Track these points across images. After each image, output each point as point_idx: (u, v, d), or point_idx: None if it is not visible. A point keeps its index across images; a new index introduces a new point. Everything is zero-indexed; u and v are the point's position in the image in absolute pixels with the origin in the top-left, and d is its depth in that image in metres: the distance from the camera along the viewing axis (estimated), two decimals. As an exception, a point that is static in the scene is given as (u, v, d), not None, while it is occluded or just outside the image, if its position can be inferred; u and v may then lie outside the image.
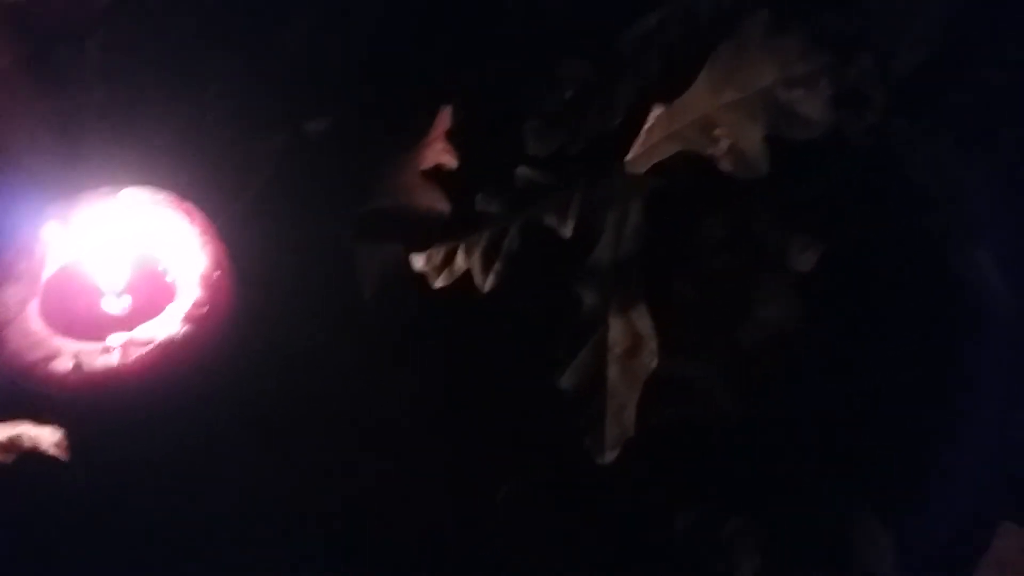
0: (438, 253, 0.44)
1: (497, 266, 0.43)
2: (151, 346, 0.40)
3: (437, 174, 0.46)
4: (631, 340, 0.42)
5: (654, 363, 0.42)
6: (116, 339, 0.41)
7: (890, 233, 0.45)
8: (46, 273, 0.43)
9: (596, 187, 0.44)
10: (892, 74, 0.45)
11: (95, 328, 0.42)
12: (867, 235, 0.45)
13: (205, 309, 0.41)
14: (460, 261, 0.44)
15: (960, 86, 0.46)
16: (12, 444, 0.40)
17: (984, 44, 0.47)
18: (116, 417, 0.40)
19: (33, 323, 0.41)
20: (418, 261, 0.44)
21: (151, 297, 0.43)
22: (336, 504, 0.43)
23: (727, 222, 0.45)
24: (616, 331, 0.42)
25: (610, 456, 0.41)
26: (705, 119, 0.43)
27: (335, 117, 0.49)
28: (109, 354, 0.40)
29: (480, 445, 0.44)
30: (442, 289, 0.44)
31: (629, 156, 0.44)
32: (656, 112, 0.44)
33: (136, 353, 0.40)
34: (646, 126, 0.44)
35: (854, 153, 0.45)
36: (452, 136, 0.46)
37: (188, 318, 0.41)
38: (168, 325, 0.41)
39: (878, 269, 0.45)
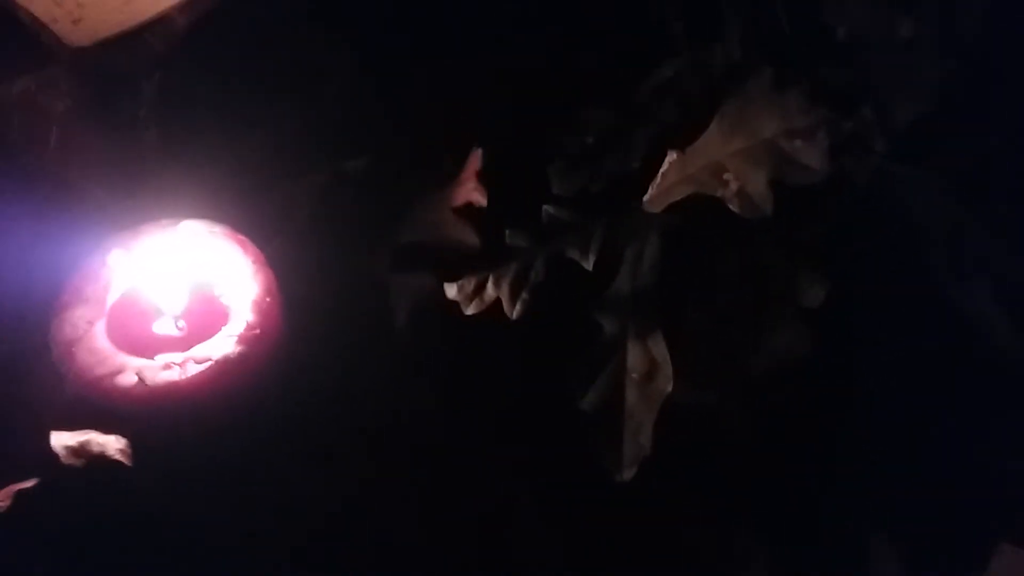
0: (470, 283, 0.46)
1: (524, 295, 0.46)
2: (208, 364, 0.43)
3: (468, 211, 0.48)
4: (648, 365, 0.44)
5: (669, 387, 0.44)
6: (176, 357, 0.43)
7: (892, 269, 0.47)
8: (111, 297, 0.45)
9: (616, 224, 0.47)
10: (893, 122, 0.47)
11: (156, 347, 0.44)
12: (870, 270, 0.47)
13: (257, 331, 0.44)
14: (490, 290, 0.46)
15: (957, 134, 0.48)
16: (82, 449, 0.42)
17: (980, 94, 0.49)
18: (175, 428, 0.43)
19: (99, 341, 0.43)
20: (451, 290, 0.46)
21: (207, 320, 0.45)
22: (369, 514, 0.44)
23: (738, 258, 0.47)
24: (634, 357, 0.45)
25: (628, 474, 0.43)
26: (715, 165, 0.45)
27: (373, 158, 0.52)
28: (170, 370, 0.43)
29: (504, 462, 0.46)
30: (472, 316, 0.46)
31: (646, 196, 0.47)
32: (671, 157, 0.47)
33: (194, 370, 0.43)
34: (662, 169, 0.47)
35: (858, 196, 0.47)
36: (482, 176, 0.49)
37: (242, 339, 0.44)
38: (224, 345, 0.43)
39: (881, 302, 0.47)
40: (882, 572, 0.43)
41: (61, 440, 0.43)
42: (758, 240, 0.47)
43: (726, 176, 0.45)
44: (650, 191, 0.47)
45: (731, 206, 0.45)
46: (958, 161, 0.49)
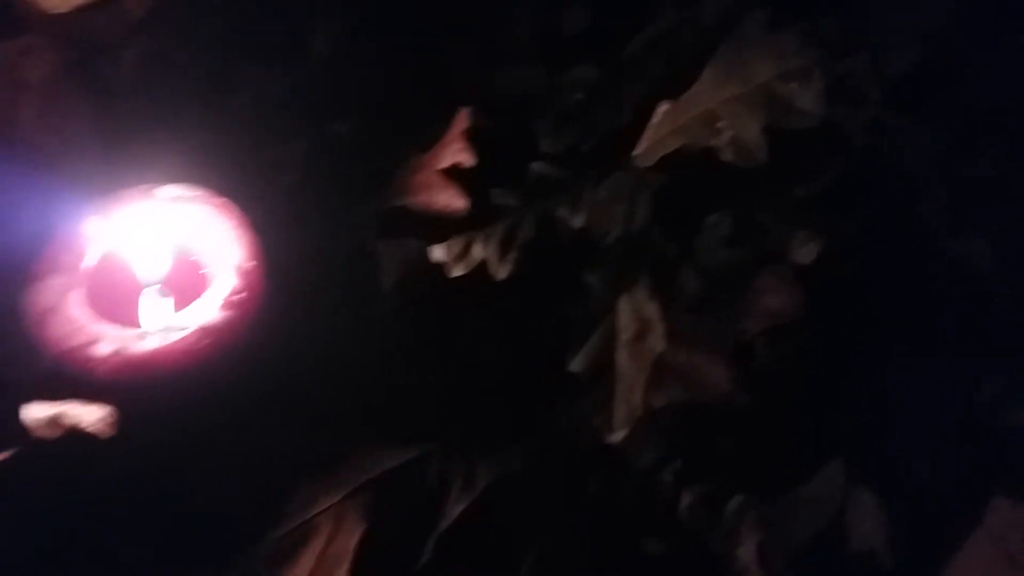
0: (456, 244, 0.45)
1: (512, 255, 0.45)
2: (189, 331, 0.42)
3: (454, 172, 0.47)
4: (639, 325, 0.44)
5: (660, 347, 0.43)
6: (155, 325, 0.42)
7: (887, 223, 0.46)
8: (87, 265, 0.44)
9: (605, 181, 0.46)
10: (887, 72, 0.46)
11: (135, 315, 0.43)
12: (865, 226, 0.46)
13: (241, 296, 0.43)
14: (477, 251, 0.45)
15: (953, 83, 0.48)
16: (57, 421, 0.41)
17: (976, 43, 0.48)
18: (154, 398, 0.42)
19: (75, 311, 0.42)
20: (437, 252, 0.46)
21: (189, 286, 0.44)
22: (355, 480, 0.44)
23: (731, 216, 0.46)
24: (624, 317, 0.44)
25: (619, 435, 0.43)
26: (708, 113, 0.44)
27: (357, 120, 0.51)
28: (149, 338, 0.42)
29: (495, 426, 0.45)
30: (459, 278, 0.45)
31: (637, 150, 0.46)
32: (662, 108, 0.46)
33: (176, 337, 0.42)
34: (653, 121, 0.46)
35: (852, 148, 0.46)
36: (469, 136, 0.48)
37: (225, 305, 0.43)
38: (206, 311, 0.42)
39: (876, 258, 0.46)
40: (875, 530, 0.43)
41: (37, 412, 0.42)
42: (751, 198, 0.46)
43: (719, 124, 0.44)
44: (641, 144, 0.46)
45: (725, 155, 0.44)
46: (954, 110, 0.47)
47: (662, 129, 0.45)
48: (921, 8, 0.47)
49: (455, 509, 0.43)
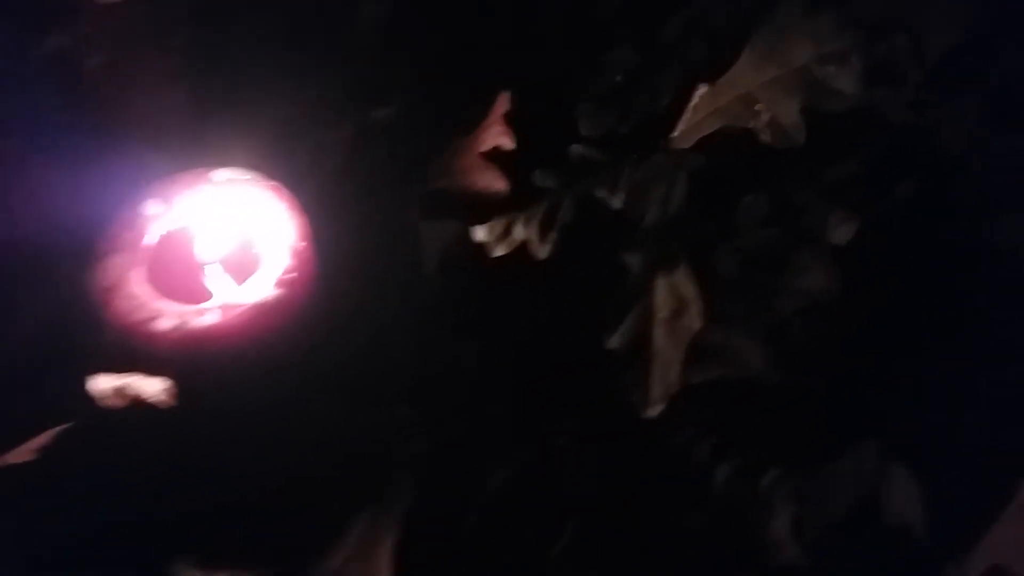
0: (498, 224, 0.46)
1: (552, 236, 0.46)
2: (245, 308, 0.43)
3: (495, 155, 0.48)
4: (676, 304, 0.44)
5: (697, 325, 0.44)
6: (213, 301, 0.44)
7: (924, 204, 0.47)
8: (148, 244, 0.46)
9: (644, 163, 0.47)
10: (926, 53, 0.46)
11: (193, 292, 0.45)
12: (902, 205, 0.47)
13: (293, 275, 0.45)
14: (518, 231, 0.46)
15: (993, 63, 0.47)
16: (123, 391, 0.43)
17: (1016, 23, 0.48)
18: (213, 372, 0.44)
19: (137, 288, 0.44)
20: (479, 232, 0.47)
21: (243, 264, 0.46)
22: (404, 455, 0.45)
23: (768, 197, 0.46)
24: (662, 295, 0.45)
25: (655, 411, 0.44)
26: (746, 95, 0.45)
27: (400, 106, 0.52)
28: (207, 315, 0.43)
29: (536, 403, 0.46)
30: (500, 258, 0.46)
31: (676, 132, 0.46)
32: (701, 90, 0.46)
33: (232, 314, 0.43)
34: (691, 103, 0.46)
35: (890, 129, 0.47)
36: (509, 120, 0.49)
37: (278, 283, 0.44)
38: (261, 289, 0.44)
39: (912, 237, 0.46)
40: (910, 504, 0.43)
41: (102, 383, 0.44)
42: (787, 178, 0.47)
43: (757, 107, 0.44)
44: (679, 126, 0.46)
45: (762, 137, 0.44)
46: (994, 90, 0.47)
47: (700, 111, 0.46)
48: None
49: (496, 483, 0.44)
